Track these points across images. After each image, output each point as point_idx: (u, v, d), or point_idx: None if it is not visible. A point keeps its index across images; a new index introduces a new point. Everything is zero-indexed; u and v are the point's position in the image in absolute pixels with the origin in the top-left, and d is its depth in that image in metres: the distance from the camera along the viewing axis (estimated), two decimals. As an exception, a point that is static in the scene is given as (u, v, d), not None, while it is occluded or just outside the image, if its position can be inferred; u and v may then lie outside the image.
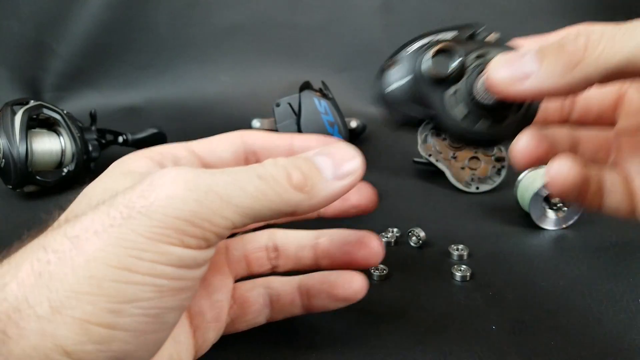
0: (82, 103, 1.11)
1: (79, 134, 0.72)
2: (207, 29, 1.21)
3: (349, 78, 1.17)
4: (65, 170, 0.71)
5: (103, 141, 0.79)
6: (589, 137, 0.37)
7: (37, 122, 0.70)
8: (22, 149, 0.64)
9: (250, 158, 0.33)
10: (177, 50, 1.22)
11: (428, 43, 0.32)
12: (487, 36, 0.33)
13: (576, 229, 0.56)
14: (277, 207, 0.25)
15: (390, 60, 0.32)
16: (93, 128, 0.77)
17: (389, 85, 0.32)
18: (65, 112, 0.73)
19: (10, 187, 0.67)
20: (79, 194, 0.30)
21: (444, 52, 0.31)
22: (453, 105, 0.31)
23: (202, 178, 0.24)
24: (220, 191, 0.24)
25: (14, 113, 0.66)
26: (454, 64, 0.31)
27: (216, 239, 0.24)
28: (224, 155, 0.33)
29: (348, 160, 0.28)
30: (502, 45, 0.33)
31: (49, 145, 0.70)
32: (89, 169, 0.75)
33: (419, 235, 0.53)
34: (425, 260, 0.51)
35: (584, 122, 0.37)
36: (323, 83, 0.89)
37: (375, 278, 0.47)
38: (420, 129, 0.76)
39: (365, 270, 0.47)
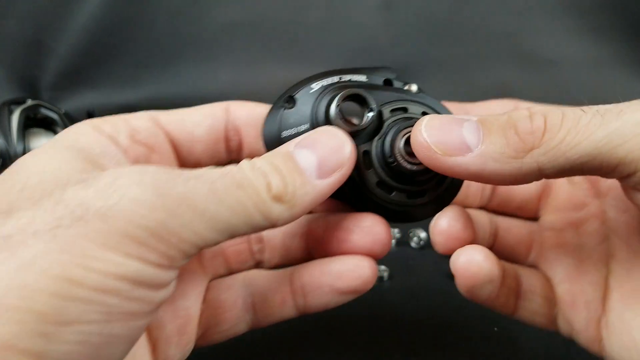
0: (80, 102, 1.11)
1: (76, 134, 0.72)
2: (206, 26, 1.21)
3: (348, 77, 1.16)
4: (63, 170, 0.70)
5: (101, 140, 0.79)
6: (509, 227, 0.32)
7: (34, 122, 0.69)
8: (19, 149, 0.64)
9: (231, 136, 0.29)
10: (176, 49, 1.21)
11: (336, 84, 0.27)
12: (404, 85, 0.28)
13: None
14: (255, 221, 0.21)
15: (288, 97, 0.27)
16: (91, 127, 0.76)
17: (286, 129, 0.26)
18: (63, 111, 0.72)
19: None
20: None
21: (355, 99, 0.26)
22: (364, 167, 0.26)
23: (175, 183, 0.20)
24: (194, 201, 0.20)
25: (11, 112, 0.65)
26: (369, 116, 0.25)
27: (181, 258, 0.20)
28: (197, 130, 0.28)
29: (335, 151, 0.24)
30: (425, 99, 0.27)
31: (47, 145, 0.70)
32: (87, 169, 0.75)
33: (419, 236, 0.52)
34: (427, 261, 0.50)
35: (503, 210, 0.33)
36: (323, 82, 0.89)
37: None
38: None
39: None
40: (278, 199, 0.22)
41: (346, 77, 0.27)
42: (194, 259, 0.29)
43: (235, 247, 0.30)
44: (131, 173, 0.20)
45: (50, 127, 0.72)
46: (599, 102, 0.33)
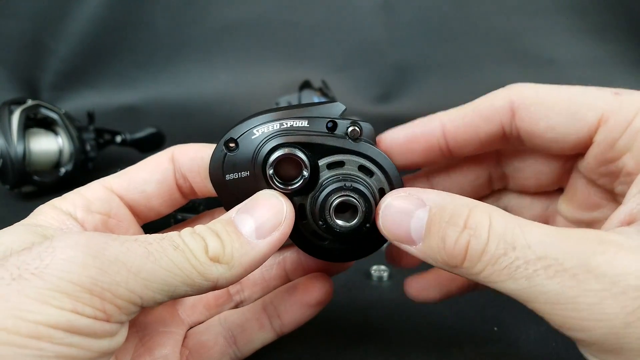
0: (80, 102, 1.11)
1: (76, 134, 0.72)
2: (206, 27, 1.21)
3: (349, 77, 1.16)
4: (62, 170, 0.70)
5: (101, 141, 0.79)
6: (522, 206, 0.34)
7: (34, 122, 0.69)
8: (19, 149, 0.64)
9: (181, 183, 0.30)
10: (175, 49, 1.21)
11: (277, 132, 0.27)
12: (349, 126, 0.28)
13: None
14: (195, 282, 0.23)
15: (233, 140, 0.28)
16: (91, 128, 0.76)
17: (229, 173, 0.28)
18: (63, 111, 0.72)
19: (8, 187, 0.67)
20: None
21: (291, 159, 0.27)
22: (299, 218, 0.28)
23: (109, 245, 0.22)
24: (129, 262, 0.22)
25: (11, 112, 0.65)
26: (304, 175, 0.27)
27: (119, 314, 0.22)
28: (148, 187, 0.30)
29: (272, 213, 0.26)
30: (362, 148, 0.28)
31: (47, 145, 0.70)
32: (87, 169, 0.75)
33: (419, 236, 0.52)
34: (426, 260, 0.50)
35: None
36: (323, 82, 0.89)
37: (375, 279, 0.47)
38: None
39: (366, 272, 0.47)
40: (216, 259, 0.24)
41: (288, 123, 0.27)
42: (167, 313, 0.32)
43: (214, 292, 0.32)
44: (68, 237, 0.22)
45: (50, 127, 0.72)
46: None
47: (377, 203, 0.27)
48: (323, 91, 0.85)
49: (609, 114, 0.25)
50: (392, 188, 0.28)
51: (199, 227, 0.25)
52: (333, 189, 0.27)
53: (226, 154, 0.28)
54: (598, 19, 1.09)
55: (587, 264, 0.20)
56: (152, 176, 0.30)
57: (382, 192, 0.28)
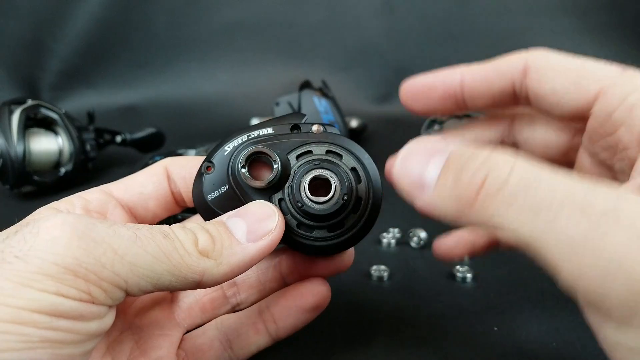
0: (80, 102, 1.11)
1: (76, 134, 0.72)
2: (206, 27, 1.21)
3: (349, 77, 1.16)
4: (62, 170, 0.70)
5: (101, 141, 0.79)
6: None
7: (34, 122, 0.69)
8: (19, 149, 0.64)
9: (173, 189, 0.31)
10: (175, 49, 1.21)
11: (245, 142, 0.29)
12: (312, 126, 0.29)
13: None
14: (181, 272, 0.23)
15: (207, 162, 0.29)
16: (91, 128, 0.76)
17: (209, 193, 0.29)
18: (63, 111, 0.72)
19: (8, 187, 0.67)
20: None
21: (261, 155, 0.28)
22: (282, 212, 0.28)
23: (96, 227, 0.21)
24: (115, 244, 0.21)
25: (11, 112, 0.65)
26: (275, 168, 0.27)
27: (105, 297, 0.21)
28: (145, 189, 0.31)
29: (263, 219, 0.26)
30: (328, 138, 0.29)
31: (47, 145, 0.70)
32: (87, 169, 0.75)
33: (419, 236, 0.52)
34: (427, 261, 0.50)
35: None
36: (323, 82, 0.89)
37: (374, 279, 0.47)
38: (423, 127, 0.75)
39: (366, 272, 0.47)
40: (205, 253, 0.24)
41: (254, 133, 0.29)
42: (163, 315, 0.32)
43: (210, 295, 0.33)
44: (55, 217, 0.21)
45: (50, 127, 0.72)
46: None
47: (350, 181, 0.28)
48: (323, 91, 0.85)
49: (609, 88, 0.26)
50: (363, 167, 0.29)
51: (190, 224, 0.25)
52: (303, 170, 0.28)
53: (204, 176, 0.29)
54: (598, 19, 1.09)
55: (615, 213, 0.18)
56: (149, 179, 0.31)
57: (355, 171, 0.29)
